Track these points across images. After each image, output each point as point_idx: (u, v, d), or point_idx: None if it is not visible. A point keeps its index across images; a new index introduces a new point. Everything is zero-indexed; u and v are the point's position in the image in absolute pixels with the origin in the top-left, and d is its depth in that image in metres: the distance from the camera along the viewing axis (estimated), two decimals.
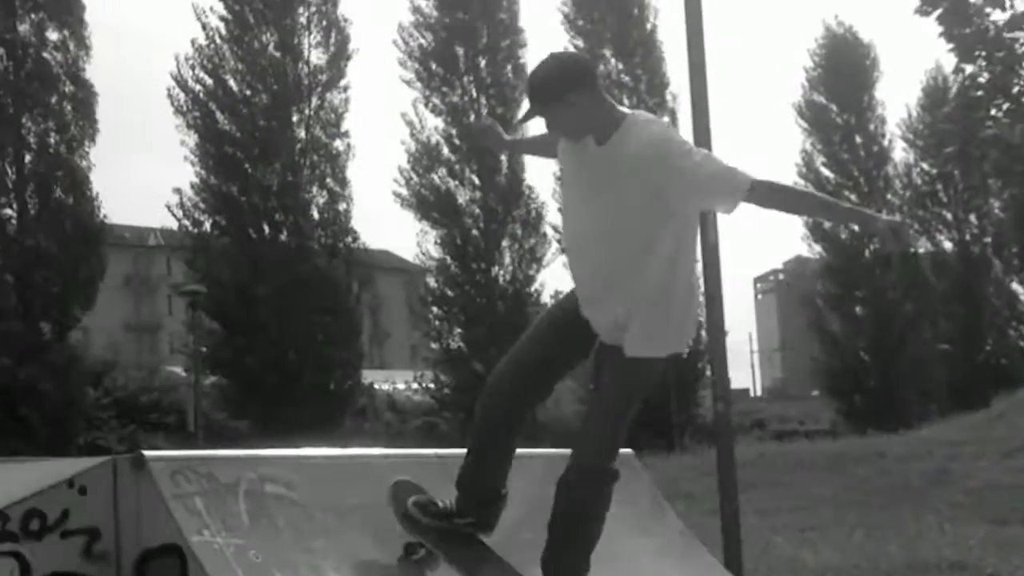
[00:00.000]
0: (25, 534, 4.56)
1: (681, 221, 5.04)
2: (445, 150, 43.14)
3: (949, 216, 56.12)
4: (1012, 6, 19.86)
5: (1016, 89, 20.58)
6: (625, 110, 5.10)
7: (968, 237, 55.85)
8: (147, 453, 4.74)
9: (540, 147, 5.90)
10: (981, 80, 21.02)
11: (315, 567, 4.92)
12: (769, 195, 4.96)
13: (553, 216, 45.32)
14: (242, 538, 4.70)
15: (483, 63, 42.42)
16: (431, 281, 43.93)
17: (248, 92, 39.22)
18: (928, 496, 18.55)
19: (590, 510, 5.29)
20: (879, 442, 26.08)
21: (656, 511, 6.73)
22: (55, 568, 4.58)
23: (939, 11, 20.01)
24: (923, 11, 20.15)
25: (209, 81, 39.04)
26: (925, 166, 55.36)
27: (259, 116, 38.90)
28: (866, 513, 16.92)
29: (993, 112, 20.86)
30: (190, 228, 39.33)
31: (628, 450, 7.12)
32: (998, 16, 20.04)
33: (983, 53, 20.36)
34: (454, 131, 43.04)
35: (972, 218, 56.00)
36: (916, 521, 14.95)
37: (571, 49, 45.88)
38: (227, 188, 38.74)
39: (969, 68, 21.11)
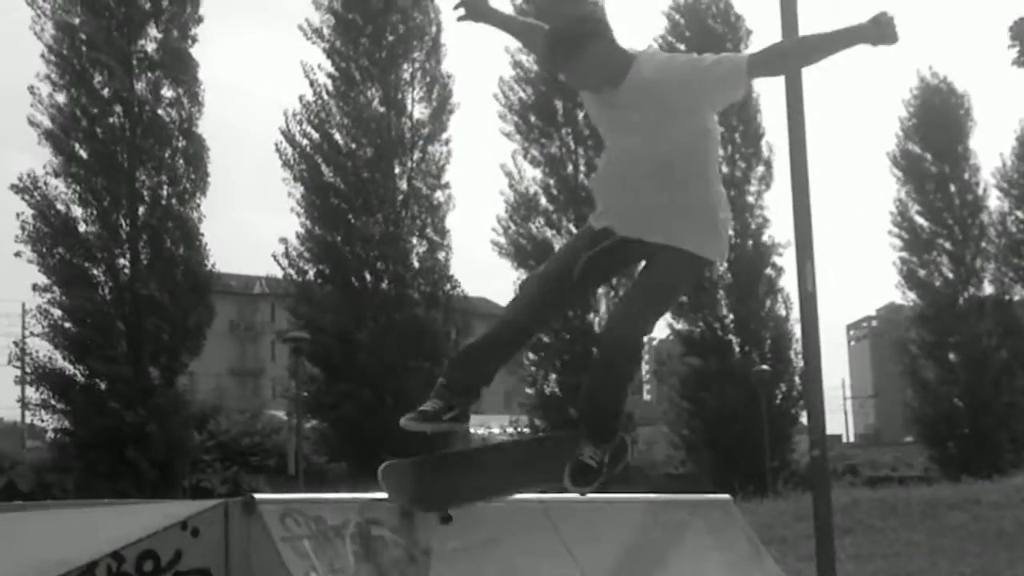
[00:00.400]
0: (139, 575, 4.62)
1: (705, 136, 5.34)
2: (543, 200, 43.24)
3: None
4: None
5: None
6: (635, 51, 5.34)
7: None
8: (257, 496, 4.80)
9: (526, 37, 6.04)
10: None
11: None
12: (772, 61, 5.35)
13: None
14: None
15: (581, 115, 42.49)
16: None
17: (353, 145, 39.62)
18: (1023, 543, 18.17)
19: (617, 384, 5.60)
20: (973, 489, 25.55)
21: (754, 556, 6.68)
22: None
23: None
24: (1021, 62, 19.93)
25: (316, 135, 39.51)
26: (1020, 214, 54.41)
27: (363, 169, 39.27)
28: (960, 560, 16.60)
29: None
30: (294, 276, 39.73)
31: (725, 495, 7.10)
32: None
33: None
34: (552, 181, 43.21)
35: None
36: (1011, 568, 14.70)
37: None
38: (331, 238, 39.10)
39: None
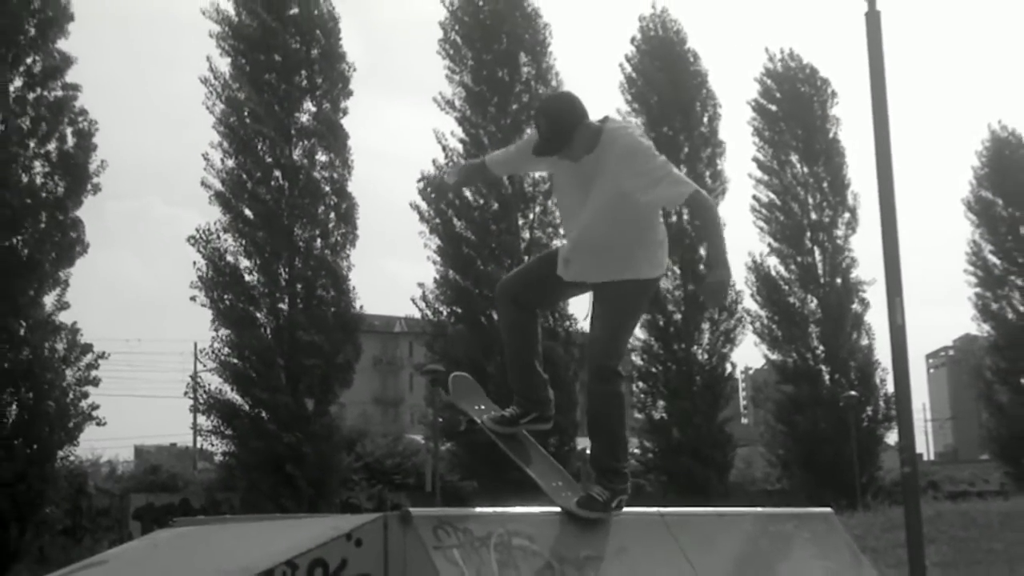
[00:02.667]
0: None
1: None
2: None
3: None
4: None
5: None
6: (599, 123, 5.75)
7: None
8: (413, 510, 4.84)
9: (475, 176, 6.91)
10: None
11: None
12: (696, 211, 5.91)
13: (748, 302, 45.16)
14: None
15: (684, 171, 42.29)
16: (637, 359, 43.74)
17: (481, 201, 39.94)
18: None
19: (602, 406, 5.84)
20: None
21: (855, 564, 6.58)
22: None
23: None
24: None
25: (449, 194, 39.89)
26: None
27: (490, 221, 39.58)
28: None
29: None
30: (431, 317, 40.11)
31: (827, 508, 6.99)
32: None
33: None
34: None
35: None
36: None
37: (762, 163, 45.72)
38: (463, 282, 39.36)
39: None
